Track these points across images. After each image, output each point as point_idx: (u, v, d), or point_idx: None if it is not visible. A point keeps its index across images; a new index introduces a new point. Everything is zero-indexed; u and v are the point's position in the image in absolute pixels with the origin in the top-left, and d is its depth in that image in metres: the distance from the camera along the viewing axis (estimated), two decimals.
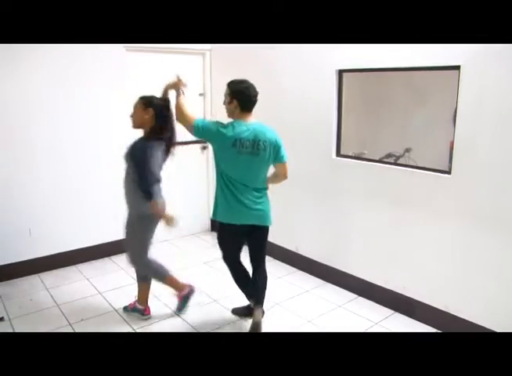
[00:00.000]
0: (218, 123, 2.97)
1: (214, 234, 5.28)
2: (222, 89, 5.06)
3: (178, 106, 3.04)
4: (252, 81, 4.69)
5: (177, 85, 3.13)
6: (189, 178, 5.13)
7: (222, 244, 3.30)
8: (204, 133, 2.99)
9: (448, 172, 3.06)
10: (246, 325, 3.34)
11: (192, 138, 5.15)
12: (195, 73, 5.04)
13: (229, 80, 3.11)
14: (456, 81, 2.93)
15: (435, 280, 3.23)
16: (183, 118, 3.00)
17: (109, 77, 4.30)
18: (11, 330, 3.22)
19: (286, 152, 3.07)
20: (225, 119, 3.06)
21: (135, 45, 4.35)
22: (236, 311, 3.51)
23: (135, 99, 3.17)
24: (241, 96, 2.97)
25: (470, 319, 3.04)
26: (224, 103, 3.07)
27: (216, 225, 3.12)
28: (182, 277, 4.12)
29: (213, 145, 3.03)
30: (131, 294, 3.66)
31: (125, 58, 4.43)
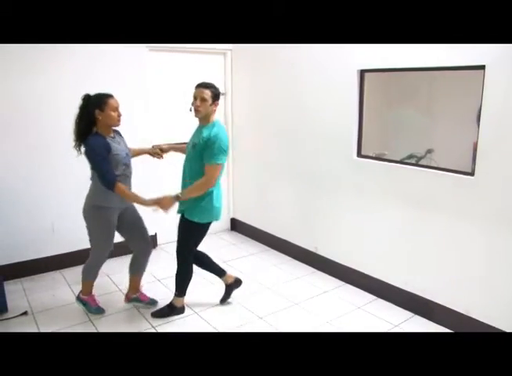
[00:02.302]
0: (219, 142, 3.08)
1: (234, 233, 5.36)
2: (244, 89, 5.09)
3: (192, 192, 3.14)
4: (273, 80, 4.72)
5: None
6: None
7: (197, 242, 3.41)
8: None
9: (472, 174, 3.01)
10: (265, 324, 3.34)
11: None
12: (216, 72, 5.07)
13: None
14: (480, 80, 2.88)
15: (456, 283, 3.19)
16: (206, 185, 3.12)
17: (132, 77, 4.35)
18: (34, 324, 3.29)
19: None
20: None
21: (157, 45, 4.39)
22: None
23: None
24: (219, 100, 3.25)
25: (492, 324, 2.99)
26: (199, 106, 3.14)
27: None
28: (202, 276, 4.15)
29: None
30: (149, 291, 3.70)
31: (148, 58, 4.48)
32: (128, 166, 3.25)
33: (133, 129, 4.46)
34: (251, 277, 4.10)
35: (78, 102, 4.04)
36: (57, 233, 4.18)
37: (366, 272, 3.83)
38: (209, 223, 3.31)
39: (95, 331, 3.22)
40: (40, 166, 4.00)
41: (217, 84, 5.00)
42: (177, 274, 3.46)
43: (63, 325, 3.29)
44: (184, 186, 3.31)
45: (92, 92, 4.12)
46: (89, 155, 3.06)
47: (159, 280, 4.06)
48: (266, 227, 4.91)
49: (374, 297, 3.76)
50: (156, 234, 4.83)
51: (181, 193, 3.11)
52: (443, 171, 3.20)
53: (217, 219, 3.32)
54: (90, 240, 3.37)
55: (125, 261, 4.47)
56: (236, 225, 5.43)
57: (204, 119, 3.20)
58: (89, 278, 3.45)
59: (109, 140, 3.11)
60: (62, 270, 4.24)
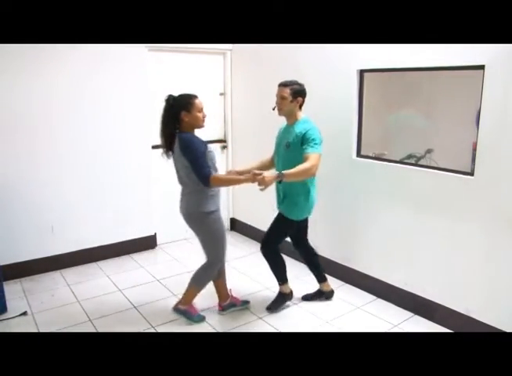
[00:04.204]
0: (316, 134, 3.12)
1: (234, 233, 5.36)
2: (243, 89, 5.09)
3: (295, 175, 3.01)
4: (273, 80, 4.68)
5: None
6: None
7: (286, 236, 3.51)
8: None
9: (471, 174, 3.01)
10: (264, 324, 3.34)
11: (211, 137, 5.22)
12: (215, 72, 5.07)
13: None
14: (480, 80, 2.88)
15: (456, 283, 3.19)
16: (310, 171, 3.04)
17: (132, 77, 4.35)
18: (34, 325, 3.29)
19: None
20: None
21: (157, 45, 4.39)
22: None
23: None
24: (304, 95, 3.24)
25: (492, 324, 2.99)
26: (279, 104, 3.20)
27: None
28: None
29: None
30: (150, 292, 3.71)
31: (148, 58, 4.48)
32: (215, 166, 3.13)
33: (134, 129, 4.47)
34: (251, 277, 4.10)
35: (77, 102, 4.08)
36: (57, 233, 4.18)
37: (366, 272, 3.83)
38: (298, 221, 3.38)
39: (95, 331, 3.21)
40: (40, 166, 4.00)
41: (216, 84, 5.09)
42: (270, 267, 3.52)
43: (63, 325, 3.28)
44: (279, 189, 3.35)
45: (92, 92, 4.15)
46: (187, 150, 2.95)
47: (158, 280, 4.06)
48: (266, 227, 4.90)
49: (374, 297, 3.76)
50: (155, 234, 4.83)
51: (283, 173, 2.96)
52: (443, 171, 3.20)
53: (309, 215, 3.42)
54: (205, 249, 3.24)
55: (124, 262, 4.50)
56: (236, 225, 5.43)
57: (290, 117, 3.24)
58: (198, 285, 3.31)
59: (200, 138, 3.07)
60: (62, 270, 4.23)
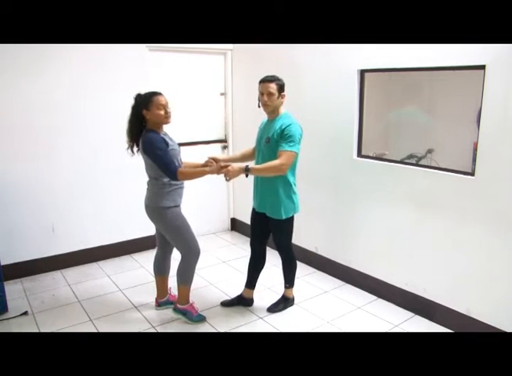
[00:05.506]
0: (295, 131, 3.07)
1: (234, 233, 5.36)
2: (244, 89, 5.08)
3: (263, 171, 3.08)
4: None
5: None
6: (209, 177, 5.14)
7: (291, 235, 3.40)
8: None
9: (472, 174, 3.01)
10: (265, 324, 3.34)
11: (212, 137, 5.22)
12: (216, 72, 5.06)
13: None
14: (480, 80, 2.88)
15: (457, 283, 3.18)
16: (279, 169, 3.02)
17: (132, 77, 4.34)
18: (34, 324, 3.29)
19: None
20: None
21: (157, 45, 4.39)
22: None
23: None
24: (284, 89, 3.18)
25: (492, 324, 2.99)
26: (267, 101, 3.14)
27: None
28: (202, 277, 4.14)
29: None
30: (151, 292, 3.70)
31: (148, 58, 4.47)
32: (179, 163, 3.17)
33: None
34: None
35: (78, 102, 4.09)
36: (58, 233, 4.18)
37: (366, 272, 3.83)
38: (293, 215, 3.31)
39: (95, 331, 3.22)
40: (40, 166, 4.00)
41: (217, 84, 5.09)
42: (285, 268, 3.49)
43: (63, 325, 3.28)
44: (257, 186, 3.31)
45: (92, 92, 4.16)
46: (149, 151, 3.00)
47: None
48: None
49: (374, 297, 3.76)
50: None
51: (251, 167, 2.99)
52: (443, 171, 3.20)
53: (298, 211, 3.31)
54: (176, 243, 3.24)
55: (125, 262, 4.50)
56: (236, 225, 5.43)
57: (273, 112, 3.21)
58: (186, 282, 3.30)
59: (162, 135, 3.08)
60: (62, 270, 4.23)
